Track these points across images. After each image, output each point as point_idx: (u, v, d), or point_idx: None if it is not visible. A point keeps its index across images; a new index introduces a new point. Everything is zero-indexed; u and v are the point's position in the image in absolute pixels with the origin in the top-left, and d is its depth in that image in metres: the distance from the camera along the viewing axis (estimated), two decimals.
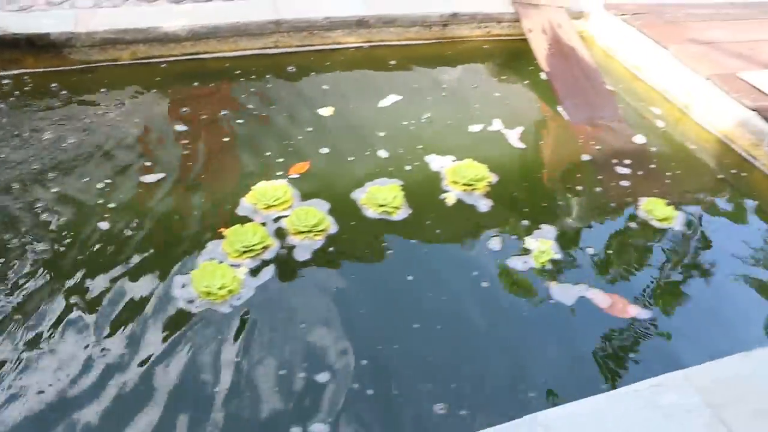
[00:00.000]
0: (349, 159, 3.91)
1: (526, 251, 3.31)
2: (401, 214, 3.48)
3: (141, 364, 2.62)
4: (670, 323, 3.01)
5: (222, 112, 4.25)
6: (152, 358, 2.64)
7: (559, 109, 4.64)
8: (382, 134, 4.16)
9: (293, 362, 2.66)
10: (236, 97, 4.45)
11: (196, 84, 4.58)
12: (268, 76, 4.72)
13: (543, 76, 5.00)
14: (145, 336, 2.73)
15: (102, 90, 4.39)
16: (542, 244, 3.33)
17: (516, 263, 3.23)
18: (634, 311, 3.02)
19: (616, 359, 2.80)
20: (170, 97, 4.40)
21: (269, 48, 4.97)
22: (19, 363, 2.58)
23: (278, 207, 3.43)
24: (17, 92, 4.28)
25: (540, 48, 5.17)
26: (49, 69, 4.54)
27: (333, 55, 5.05)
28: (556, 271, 3.21)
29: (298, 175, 3.70)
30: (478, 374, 2.68)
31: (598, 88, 4.89)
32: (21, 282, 2.93)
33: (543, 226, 3.49)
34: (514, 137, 4.25)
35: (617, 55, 5.59)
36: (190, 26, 4.72)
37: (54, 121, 4.02)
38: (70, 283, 2.95)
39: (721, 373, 2.39)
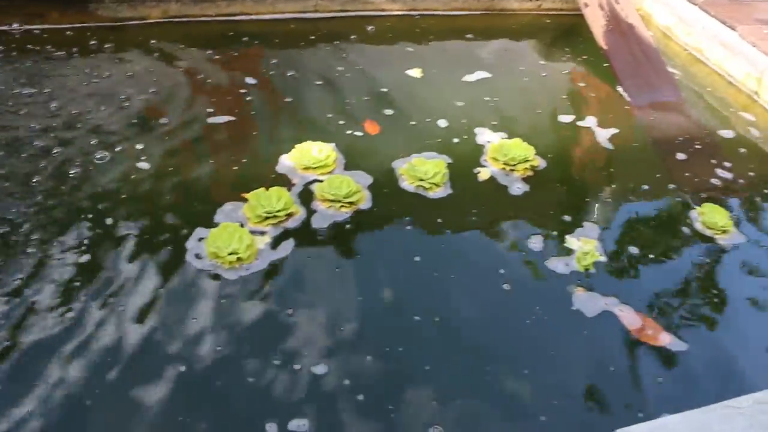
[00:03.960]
0: (410, 123, 3.69)
1: (567, 251, 2.95)
2: (439, 192, 3.20)
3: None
4: (706, 358, 2.57)
5: (269, 72, 4.06)
6: (128, 303, 2.53)
7: (619, 89, 4.31)
8: (460, 104, 3.90)
9: (284, 350, 2.42)
10: (280, 60, 4.20)
11: (244, 43, 4.36)
12: (336, 39, 4.50)
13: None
14: (142, 278, 2.63)
15: (148, 43, 4.22)
16: (585, 245, 2.98)
17: (557, 265, 2.87)
18: (667, 339, 2.60)
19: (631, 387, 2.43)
20: (218, 55, 4.19)
21: (308, 12, 4.69)
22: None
23: (317, 170, 3.20)
24: (45, 47, 4.07)
25: (597, 24, 4.83)
26: (76, 25, 4.31)
27: (374, 21, 4.77)
28: (595, 276, 2.84)
29: (364, 134, 3.56)
30: (471, 376, 2.40)
31: (657, 68, 4.56)
32: (53, 215, 2.89)
33: (586, 223, 3.13)
34: (589, 126, 3.91)
35: (676, 35, 5.23)
36: None
37: (91, 73, 3.86)
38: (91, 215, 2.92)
39: None
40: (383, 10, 4.83)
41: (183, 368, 2.31)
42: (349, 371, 2.35)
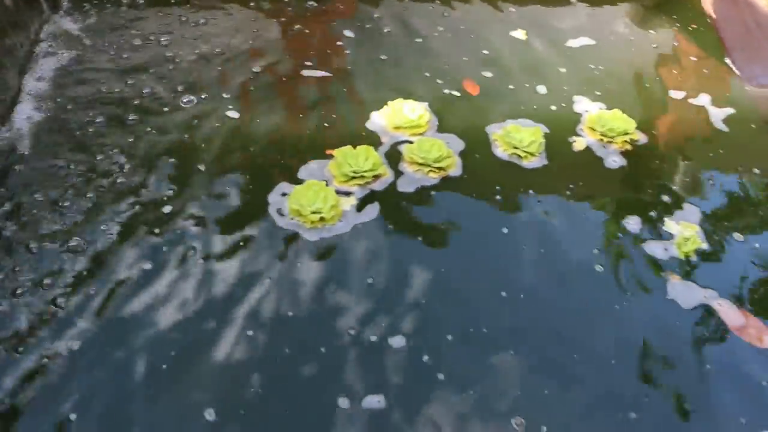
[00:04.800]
0: (509, 87, 3.51)
1: (666, 235, 2.77)
2: (534, 162, 3.04)
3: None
4: None
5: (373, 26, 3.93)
6: (203, 256, 2.51)
7: (727, 60, 4.04)
8: (562, 70, 3.70)
9: (360, 320, 2.35)
10: (381, 15, 4.04)
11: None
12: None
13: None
14: (219, 231, 2.61)
15: None
16: (686, 229, 2.78)
17: (654, 249, 2.70)
18: None
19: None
20: (318, 4, 4.07)
21: None
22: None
23: (408, 130, 3.09)
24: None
25: None
26: None
27: None
28: (695, 265, 2.65)
29: (460, 95, 3.41)
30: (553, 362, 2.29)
31: None
32: (136, 154, 2.90)
33: (687, 206, 2.92)
34: (702, 105, 3.63)
35: None
36: None
37: (187, 21, 3.79)
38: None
39: None
40: None
41: (250, 332, 2.26)
42: (428, 347, 2.26)
